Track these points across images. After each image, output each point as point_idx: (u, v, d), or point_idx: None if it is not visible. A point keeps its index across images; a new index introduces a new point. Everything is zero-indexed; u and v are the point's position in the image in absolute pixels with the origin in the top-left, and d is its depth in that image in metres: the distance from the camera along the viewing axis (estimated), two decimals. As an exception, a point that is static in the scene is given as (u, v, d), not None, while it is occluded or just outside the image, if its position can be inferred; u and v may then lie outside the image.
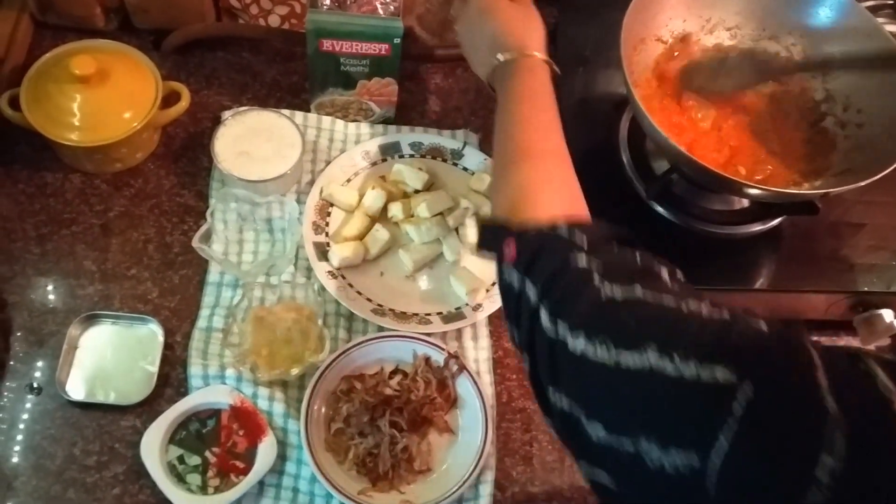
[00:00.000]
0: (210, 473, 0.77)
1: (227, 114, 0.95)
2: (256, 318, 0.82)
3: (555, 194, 0.66)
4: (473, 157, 0.97)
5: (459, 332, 0.87)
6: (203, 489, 0.76)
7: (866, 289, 0.86)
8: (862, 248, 0.89)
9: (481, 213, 0.93)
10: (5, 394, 0.80)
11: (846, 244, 0.89)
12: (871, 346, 0.91)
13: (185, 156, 0.95)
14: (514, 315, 0.59)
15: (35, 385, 0.80)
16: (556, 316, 0.53)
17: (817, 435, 0.38)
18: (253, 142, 0.89)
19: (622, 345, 0.47)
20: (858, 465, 0.37)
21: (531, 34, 0.78)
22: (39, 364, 0.81)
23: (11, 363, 0.81)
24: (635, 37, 0.85)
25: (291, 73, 1.02)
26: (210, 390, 0.80)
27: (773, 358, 0.43)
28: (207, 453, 0.78)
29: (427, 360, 0.84)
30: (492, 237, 0.65)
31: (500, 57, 0.75)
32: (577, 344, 0.50)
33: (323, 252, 0.88)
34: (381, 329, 0.85)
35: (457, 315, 0.87)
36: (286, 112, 0.93)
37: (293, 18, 1.01)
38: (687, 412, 0.43)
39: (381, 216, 0.92)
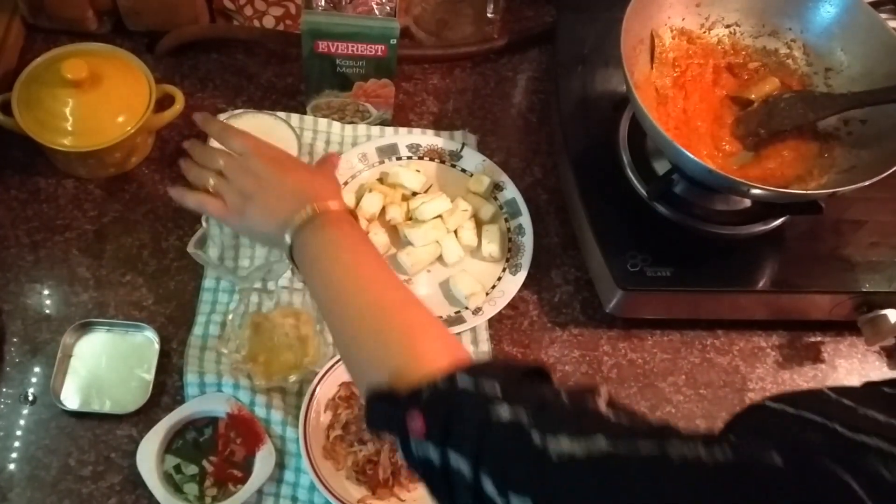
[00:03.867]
0: (207, 483, 0.76)
1: (221, 117, 0.93)
2: (253, 325, 0.81)
3: (435, 342, 0.59)
4: (472, 159, 0.95)
5: (459, 336, 0.86)
6: (200, 499, 0.75)
7: (870, 288, 0.85)
8: (864, 246, 0.88)
9: (480, 214, 0.92)
10: (0, 402, 0.79)
11: (848, 242, 0.88)
12: (876, 347, 0.90)
13: (180, 159, 0.94)
14: (448, 495, 0.50)
15: (29, 394, 0.79)
16: (506, 489, 0.45)
17: None
18: None
19: None
20: None
21: (334, 186, 0.77)
22: (34, 373, 0.80)
23: (6, 371, 0.80)
24: (635, 37, 0.84)
25: (287, 75, 1.01)
26: (207, 398, 0.79)
27: None
28: (205, 462, 0.77)
29: (427, 364, 0.83)
30: (386, 414, 0.54)
31: (311, 208, 0.67)
32: None
33: (320, 256, 0.87)
34: (379, 334, 0.84)
35: (456, 319, 0.86)
36: (282, 115, 0.92)
37: (288, 19, 1.00)
38: None
39: (378, 219, 0.91)
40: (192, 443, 0.78)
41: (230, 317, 0.82)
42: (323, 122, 0.97)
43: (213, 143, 0.80)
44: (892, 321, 0.84)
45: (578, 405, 0.49)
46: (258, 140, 0.75)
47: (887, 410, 0.40)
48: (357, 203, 0.90)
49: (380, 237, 0.88)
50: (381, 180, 0.94)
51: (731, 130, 0.86)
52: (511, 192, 0.93)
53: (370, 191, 0.91)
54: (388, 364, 0.57)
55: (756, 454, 0.40)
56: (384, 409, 0.55)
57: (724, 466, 0.40)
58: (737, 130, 0.86)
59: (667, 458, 0.41)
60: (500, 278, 0.89)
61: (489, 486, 0.46)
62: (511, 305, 0.88)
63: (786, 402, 0.42)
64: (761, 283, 0.85)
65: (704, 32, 0.90)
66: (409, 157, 0.96)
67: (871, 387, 0.46)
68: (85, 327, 0.82)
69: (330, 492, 0.74)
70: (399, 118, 1.00)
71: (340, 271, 0.65)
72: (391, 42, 0.87)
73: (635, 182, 0.88)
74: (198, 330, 0.83)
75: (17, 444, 0.77)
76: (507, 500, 0.45)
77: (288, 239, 0.67)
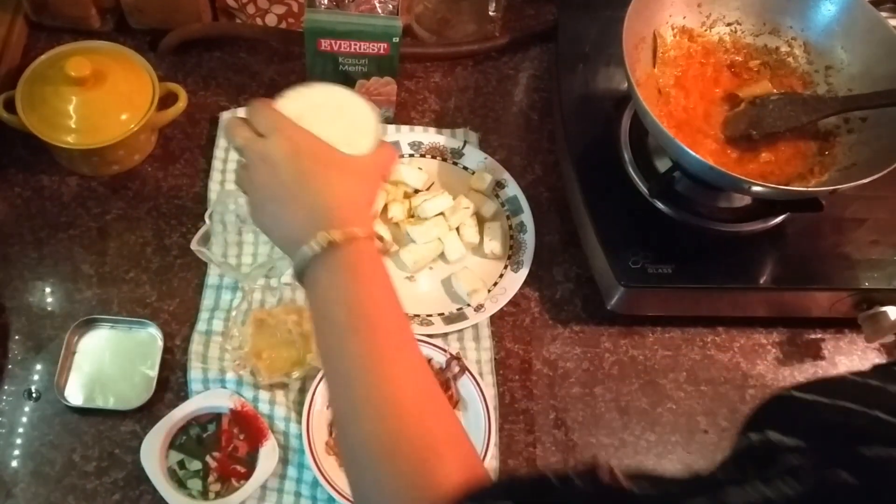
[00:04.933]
0: (211, 478, 0.76)
1: (288, 92, 0.67)
2: (256, 321, 0.81)
3: (453, 462, 0.51)
4: (473, 156, 0.96)
5: (461, 333, 0.86)
6: (204, 494, 0.76)
7: (869, 285, 0.85)
8: (864, 244, 0.88)
9: (481, 212, 0.92)
10: (4, 398, 0.79)
11: (848, 240, 0.88)
12: (876, 344, 0.91)
13: (183, 157, 0.94)
14: None
15: (33, 390, 0.79)
16: None
17: None
18: (315, 125, 0.64)
19: None
20: None
21: (365, 200, 0.60)
22: (38, 369, 0.81)
23: (10, 368, 0.80)
24: (636, 35, 0.84)
25: (289, 73, 1.01)
26: (210, 394, 0.79)
27: None
28: (208, 458, 0.77)
29: (429, 361, 0.83)
30: None
31: (325, 238, 0.55)
32: None
33: (323, 253, 0.88)
34: (382, 331, 0.84)
35: (458, 316, 0.86)
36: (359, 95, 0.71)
37: (290, 18, 1.01)
38: None
39: (381, 217, 0.91)
40: (196, 439, 0.78)
41: (233, 313, 0.82)
42: (325, 119, 0.97)
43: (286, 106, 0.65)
44: (892, 318, 0.85)
45: (597, 489, 0.44)
46: (288, 123, 0.61)
47: None
48: (359, 200, 0.91)
49: (382, 234, 0.89)
50: (383, 178, 0.94)
51: (721, 131, 0.86)
52: (513, 189, 0.94)
53: (372, 188, 0.91)
54: (400, 495, 0.50)
55: (822, 477, 0.37)
56: None
57: (796, 501, 0.37)
58: (725, 131, 0.86)
59: None
60: (501, 275, 0.89)
61: None
62: (513, 302, 0.88)
63: (816, 391, 0.40)
64: (762, 280, 0.86)
65: (706, 31, 0.90)
66: (411, 155, 0.96)
67: (883, 368, 0.45)
68: (89, 324, 0.83)
69: (333, 487, 0.75)
70: (401, 116, 1.00)
71: (351, 340, 0.54)
72: (393, 40, 0.87)
73: (636, 180, 0.88)
74: (201, 326, 0.83)
75: (21, 440, 0.77)
76: None
77: (296, 263, 0.57)
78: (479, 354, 0.85)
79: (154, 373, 0.80)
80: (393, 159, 0.67)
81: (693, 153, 0.74)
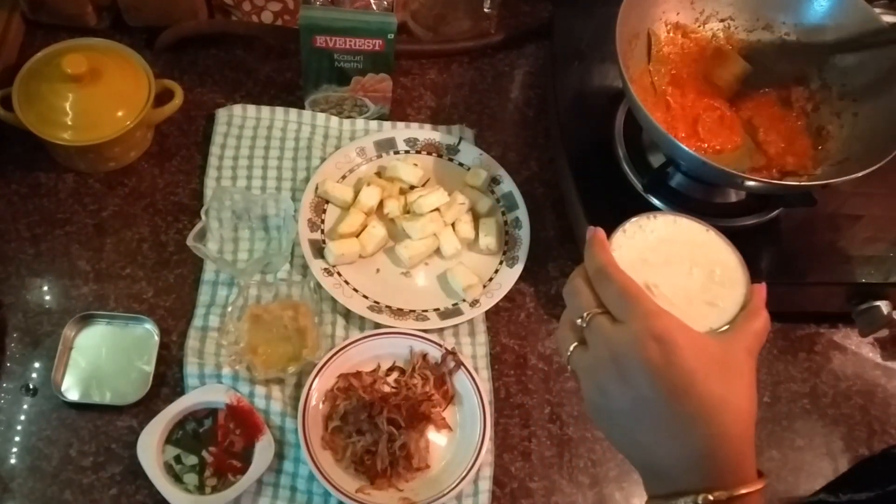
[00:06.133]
0: (207, 473, 0.77)
1: (627, 226, 0.56)
2: (252, 317, 0.82)
3: None
4: (469, 153, 0.96)
5: (456, 328, 0.87)
6: (200, 489, 0.76)
7: (864, 280, 0.86)
8: (859, 240, 0.88)
9: (477, 208, 0.92)
10: (1, 395, 0.79)
11: (843, 236, 0.89)
12: (870, 339, 0.91)
13: (179, 154, 0.94)
14: None
15: (30, 386, 0.80)
16: None
17: None
18: (666, 278, 0.54)
19: None
20: None
21: (751, 410, 0.49)
22: (35, 365, 0.81)
23: (7, 364, 0.81)
24: (630, 31, 0.84)
25: (285, 70, 1.02)
26: (206, 389, 0.80)
27: None
28: (204, 453, 0.77)
29: (424, 356, 0.83)
30: None
31: (706, 500, 0.46)
32: None
33: (319, 249, 0.88)
34: (377, 326, 0.85)
35: (454, 311, 0.86)
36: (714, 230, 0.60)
37: (286, 15, 1.01)
38: None
39: (376, 213, 0.92)
40: (192, 433, 0.78)
41: (229, 309, 0.82)
42: (321, 116, 0.97)
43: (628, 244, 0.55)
44: (886, 312, 0.85)
45: None
46: (648, 307, 0.48)
47: None
48: (355, 197, 0.91)
49: (378, 230, 0.89)
50: (379, 174, 0.94)
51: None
52: (508, 185, 0.94)
53: (368, 184, 0.91)
54: None
55: None
56: None
57: None
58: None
59: None
60: (497, 271, 0.90)
61: None
62: (508, 298, 0.88)
63: None
64: (756, 275, 0.85)
65: (699, 27, 0.91)
66: (407, 151, 0.96)
67: None
68: (85, 320, 0.83)
69: (329, 482, 0.75)
70: (397, 113, 1.00)
71: None
72: (388, 37, 0.87)
73: (631, 175, 0.88)
74: (197, 322, 0.84)
75: (18, 435, 0.78)
76: None
77: (653, 493, 0.50)
78: (475, 349, 0.86)
79: (150, 368, 0.81)
80: (767, 326, 0.52)
81: (686, 148, 0.74)
